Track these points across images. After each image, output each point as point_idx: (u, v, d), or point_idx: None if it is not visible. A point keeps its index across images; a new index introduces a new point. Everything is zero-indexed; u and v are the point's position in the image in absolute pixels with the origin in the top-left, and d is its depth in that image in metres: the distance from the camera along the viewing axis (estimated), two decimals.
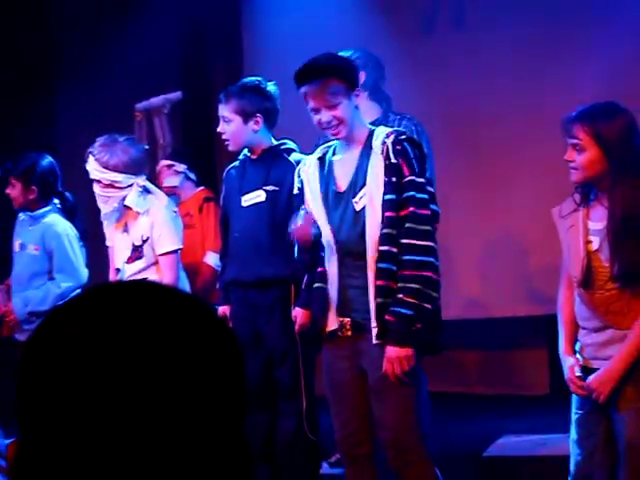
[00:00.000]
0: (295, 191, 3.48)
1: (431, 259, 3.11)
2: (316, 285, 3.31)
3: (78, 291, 4.17)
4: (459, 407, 4.87)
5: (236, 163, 3.86)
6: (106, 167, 3.72)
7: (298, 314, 3.47)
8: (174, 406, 0.65)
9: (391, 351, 3.02)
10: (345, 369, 3.25)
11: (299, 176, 3.41)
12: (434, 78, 4.95)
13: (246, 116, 3.65)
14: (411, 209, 3.07)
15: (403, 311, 3.01)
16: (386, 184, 3.08)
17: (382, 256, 3.09)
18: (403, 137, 3.15)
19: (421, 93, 4.62)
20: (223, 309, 3.94)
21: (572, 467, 2.91)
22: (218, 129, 3.82)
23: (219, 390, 0.68)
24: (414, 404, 3.17)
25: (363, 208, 3.14)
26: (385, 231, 3.09)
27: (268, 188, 3.67)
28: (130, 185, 3.79)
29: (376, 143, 3.16)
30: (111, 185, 3.75)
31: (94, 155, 3.75)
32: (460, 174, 4.64)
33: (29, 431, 0.69)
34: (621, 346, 2.69)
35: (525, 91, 4.66)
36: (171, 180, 4.57)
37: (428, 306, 3.06)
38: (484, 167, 4.91)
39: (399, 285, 3.10)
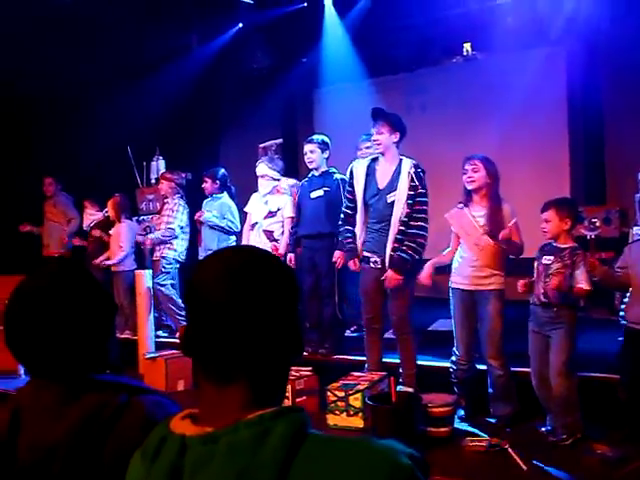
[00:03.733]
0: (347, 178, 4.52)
1: (424, 232, 4.28)
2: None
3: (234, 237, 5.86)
4: (427, 304, 5.84)
5: (306, 179, 5.38)
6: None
7: (337, 254, 4.72)
8: (270, 306, 0.92)
9: (391, 273, 4.24)
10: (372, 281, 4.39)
11: (351, 171, 4.45)
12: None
13: (322, 150, 5.16)
14: (419, 206, 4.29)
15: (404, 255, 4.21)
16: (408, 191, 4.25)
17: (400, 227, 4.25)
18: (419, 168, 4.31)
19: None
20: (290, 256, 5.24)
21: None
22: (306, 157, 5.14)
23: (288, 295, 0.95)
24: (407, 303, 4.35)
25: (392, 202, 4.26)
26: (404, 216, 4.24)
27: (325, 189, 5.16)
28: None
29: (404, 167, 4.26)
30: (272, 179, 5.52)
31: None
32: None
33: (189, 322, 0.94)
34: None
35: (455, 148, 6.24)
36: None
37: (417, 256, 4.27)
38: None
39: (406, 242, 4.19)
